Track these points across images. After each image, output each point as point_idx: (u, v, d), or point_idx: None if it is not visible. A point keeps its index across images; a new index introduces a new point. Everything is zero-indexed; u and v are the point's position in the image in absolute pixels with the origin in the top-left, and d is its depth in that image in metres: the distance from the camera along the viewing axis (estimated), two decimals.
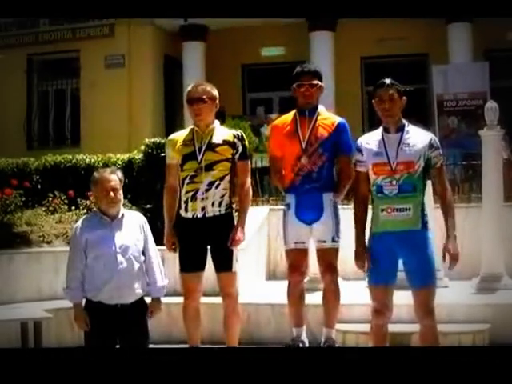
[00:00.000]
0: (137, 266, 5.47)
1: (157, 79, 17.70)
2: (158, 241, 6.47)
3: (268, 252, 10.70)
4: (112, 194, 5.42)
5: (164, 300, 5.81)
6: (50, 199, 10.51)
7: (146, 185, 10.20)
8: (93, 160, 11.44)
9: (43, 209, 10.41)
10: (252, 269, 9.76)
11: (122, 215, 5.55)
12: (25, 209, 10.23)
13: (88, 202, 9.82)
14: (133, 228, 5.55)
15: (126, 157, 11.40)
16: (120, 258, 5.39)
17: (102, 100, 17.01)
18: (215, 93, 6.26)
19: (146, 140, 10.73)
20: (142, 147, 10.89)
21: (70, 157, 11.65)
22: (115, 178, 5.50)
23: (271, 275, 10.60)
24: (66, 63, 18.20)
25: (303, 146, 6.31)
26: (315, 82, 6.38)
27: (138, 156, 11.15)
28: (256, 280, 9.84)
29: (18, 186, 10.32)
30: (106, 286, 5.36)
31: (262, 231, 10.47)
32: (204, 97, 6.14)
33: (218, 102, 6.25)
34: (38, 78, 18.59)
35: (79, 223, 5.60)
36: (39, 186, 11.22)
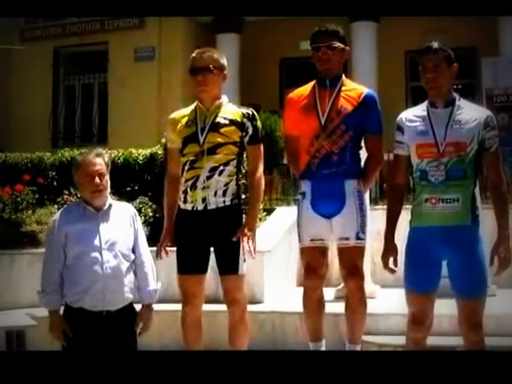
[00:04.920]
0: (126, 265, 4.74)
1: (188, 73, 16.93)
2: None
3: (300, 256, 9.86)
4: (97, 179, 4.70)
5: (156, 307, 5.01)
6: (66, 197, 9.91)
7: None
8: (113, 155, 10.73)
9: (56, 207, 9.77)
10: (281, 273, 9.19)
11: (110, 206, 4.82)
12: (38, 207, 9.82)
13: None
14: (122, 220, 4.83)
15: (147, 152, 10.79)
16: (106, 255, 4.66)
17: (131, 95, 16.48)
18: (223, 61, 5.40)
19: (165, 132, 9.98)
20: (163, 140, 10.16)
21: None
22: (100, 161, 4.77)
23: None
24: (93, 56, 17.69)
25: (322, 122, 5.24)
26: (335, 43, 5.33)
27: (161, 151, 10.47)
28: (285, 286, 9.14)
29: (32, 183, 9.91)
30: (90, 290, 4.62)
31: (293, 233, 9.61)
32: (211, 66, 5.29)
33: (226, 72, 5.41)
34: (65, 71, 18.14)
35: (58, 215, 4.86)
36: (55, 183, 10.64)
